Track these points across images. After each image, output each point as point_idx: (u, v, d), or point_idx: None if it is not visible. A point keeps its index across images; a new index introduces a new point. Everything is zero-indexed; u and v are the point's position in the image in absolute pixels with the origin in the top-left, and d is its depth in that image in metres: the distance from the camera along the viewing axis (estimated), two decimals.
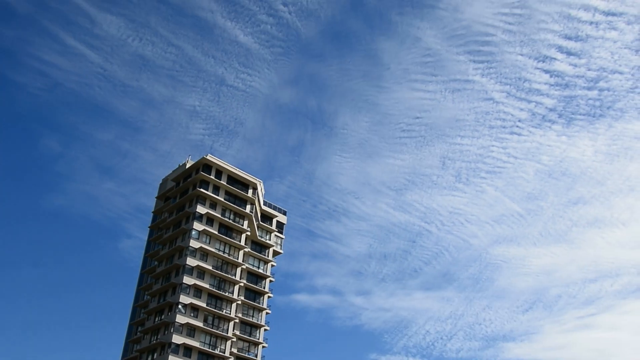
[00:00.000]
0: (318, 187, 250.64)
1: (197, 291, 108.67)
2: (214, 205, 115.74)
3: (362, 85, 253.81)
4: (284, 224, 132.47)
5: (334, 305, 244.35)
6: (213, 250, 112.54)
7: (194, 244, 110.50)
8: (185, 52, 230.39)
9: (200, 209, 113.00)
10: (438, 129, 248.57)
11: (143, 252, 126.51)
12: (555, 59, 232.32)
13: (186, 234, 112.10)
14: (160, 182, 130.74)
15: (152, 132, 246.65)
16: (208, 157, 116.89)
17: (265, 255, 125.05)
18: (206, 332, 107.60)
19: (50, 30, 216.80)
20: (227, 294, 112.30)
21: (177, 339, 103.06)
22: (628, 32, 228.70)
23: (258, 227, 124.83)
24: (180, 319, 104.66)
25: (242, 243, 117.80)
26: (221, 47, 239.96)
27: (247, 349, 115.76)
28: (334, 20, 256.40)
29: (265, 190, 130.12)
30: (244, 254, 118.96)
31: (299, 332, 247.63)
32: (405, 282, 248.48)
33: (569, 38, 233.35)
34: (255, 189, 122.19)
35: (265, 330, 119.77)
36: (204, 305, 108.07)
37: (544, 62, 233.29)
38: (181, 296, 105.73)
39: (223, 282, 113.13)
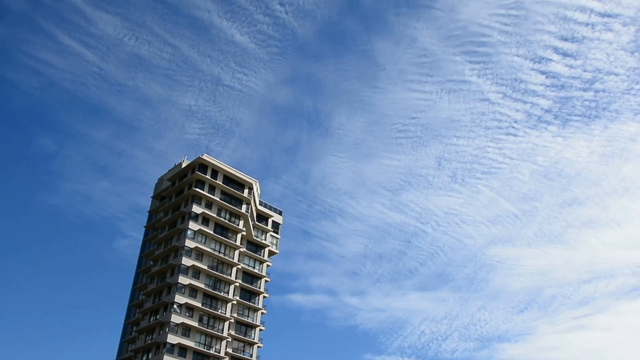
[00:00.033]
0: (313, 187, 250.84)
1: (193, 291, 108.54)
2: (209, 205, 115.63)
3: (358, 86, 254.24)
4: (279, 224, 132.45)
5: (329, 305, 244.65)
6: (208, 250, 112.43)
7: (189, 243, 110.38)
8: (182, 51, 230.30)
9: (196, 209, 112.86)
10: (434, 130, 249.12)
11: (138, 251, 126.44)
12: (551, 60, 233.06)
13: (182, 233, 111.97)
14: (156, 181, 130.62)
15: (147, 132, 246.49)
16: (204, 157, 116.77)
17: (260, 255, 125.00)
18: (201, 332, 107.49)
19: (45, 29, 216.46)
20: (222, 293, 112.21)
21: (172, 338, 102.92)
22: (624, 34, 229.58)
23: (254, 227, 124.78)
24: (176, 318, 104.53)
25: (238, 243, 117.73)
26: (217, 47, 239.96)
27: (242, 349, 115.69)
28: (330, 21, 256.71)
29: (261, 190, 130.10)
30: (239, 254, 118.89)
31: (295, 332, 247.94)
32: (400, 282, 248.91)
33: (565, 39, 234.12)
34: (251, 188, 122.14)
35: (260, 330, 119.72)
36: (199, 305, 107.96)
37: (539, 63, 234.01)
38: (176, 296, 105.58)
39: (218, 282, 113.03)
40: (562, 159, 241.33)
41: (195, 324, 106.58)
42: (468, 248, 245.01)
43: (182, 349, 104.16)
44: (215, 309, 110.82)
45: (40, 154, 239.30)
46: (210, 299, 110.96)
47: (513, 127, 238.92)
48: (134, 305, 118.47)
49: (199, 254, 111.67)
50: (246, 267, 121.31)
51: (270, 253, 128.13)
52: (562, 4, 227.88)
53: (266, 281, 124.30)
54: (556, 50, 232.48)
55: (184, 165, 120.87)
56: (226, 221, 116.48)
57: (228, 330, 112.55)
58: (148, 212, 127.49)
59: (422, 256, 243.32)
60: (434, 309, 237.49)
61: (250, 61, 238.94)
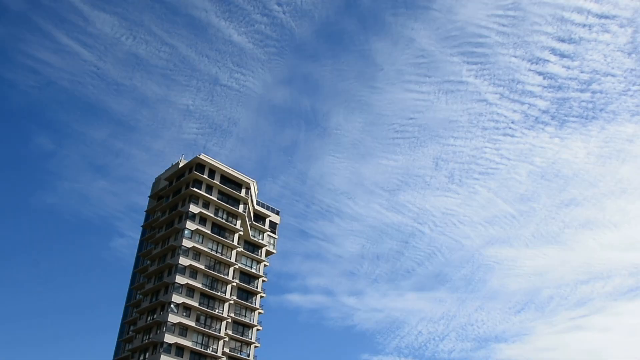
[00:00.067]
0: (311, 187, 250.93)
1: (190, 291, 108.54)
2: (207, 204, 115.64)
3: (356, 86, 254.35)
4: (277, 223, 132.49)
5: (326, 305, 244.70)
6: (206, 249, 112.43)
7: (186, 243, 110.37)
8: (179, 51, 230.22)
9: (193, 209, 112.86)
10: (431, 130, 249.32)
11: (136, 251, 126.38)
12: (548, 61, 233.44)
13: (179, 233, 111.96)
14: (154, 181, 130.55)
15: (145, 131, 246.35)
16: (201, 157, 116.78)
17: (258, 255, 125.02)
18: (198, 332, 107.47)
19: (43, 28, 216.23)
20: (219, 293, 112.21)
21: (169, 338, 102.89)
22: (621, 35, 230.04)
23: (251, 227, 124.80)
24: (173, 318, 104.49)
25: (235, 243, 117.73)
26: (215, 47, 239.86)
27: (239, 349, 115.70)
28: (328, 21, 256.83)
29: (258, 190, 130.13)
30: (236, 254, 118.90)
31: (292, 332, 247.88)
32: (397, 282, 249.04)
33: (562, 40, 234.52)
34: (248, 188, 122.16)
35: (257, 330, 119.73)
36: (197, 304, 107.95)
37: (537, 64, 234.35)
38: (174, 295, 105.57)
39: (216, 282, 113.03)
40: (559, 159, 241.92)
41: (193, 324, 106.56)
42: (465, 248, 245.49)
43: (180, 349, 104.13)
44: (213, 308, 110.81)
45: (38, 153, 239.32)
46: (208, 298, 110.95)
47: (510, 128, 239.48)
48: (131, 304, 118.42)
49: (196, 254, 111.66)
50: (243, 266, 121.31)
51: (268, 253, 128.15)
52: (560, 5, 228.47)
53: (263, 281, 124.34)
54: (553, 51, 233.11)
55: (181, 164, 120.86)
56: (223, 221, 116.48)
57: (225, 330, 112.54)
58: (145, 211, 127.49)
59: (419, 256, 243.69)
60: (431, 309, 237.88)
61: (247, 61, 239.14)
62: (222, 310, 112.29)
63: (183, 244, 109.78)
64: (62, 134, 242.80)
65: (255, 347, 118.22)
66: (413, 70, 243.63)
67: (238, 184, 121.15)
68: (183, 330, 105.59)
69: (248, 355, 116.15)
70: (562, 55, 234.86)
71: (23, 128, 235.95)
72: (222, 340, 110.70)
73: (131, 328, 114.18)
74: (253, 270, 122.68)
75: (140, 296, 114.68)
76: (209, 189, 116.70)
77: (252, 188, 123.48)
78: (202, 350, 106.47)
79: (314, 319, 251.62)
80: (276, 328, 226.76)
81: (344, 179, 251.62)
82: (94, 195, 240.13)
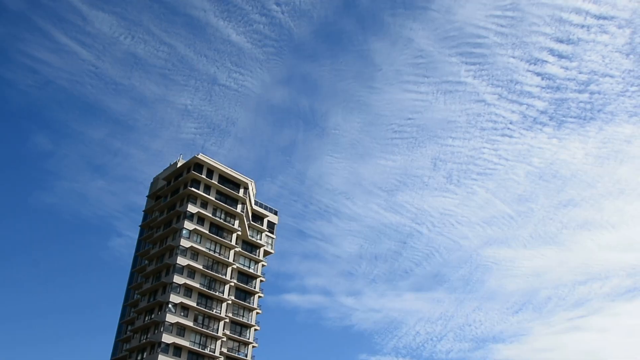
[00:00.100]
0: (309, 187, 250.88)
1: (188, 290, 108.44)
2: (205, 204, 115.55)
3: (354, 86, 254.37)
4: (275, 223, 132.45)
5: (324, 305, 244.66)
6: (204, 249, 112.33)
7: (184, 243, 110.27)
8: (178, 50, 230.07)
9: (191, 208, 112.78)
10: (429, 131, 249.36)
11: (133, 250, 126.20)
12: (546, 61, 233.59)
13: (177, 233, 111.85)
14: (152, 180, 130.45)
15: (143, 131, 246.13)
16: (199, 156, 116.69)
17: (256, 255, 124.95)
18: (196, 332, 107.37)
19: (41, 27, 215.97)
20: (217, 293, 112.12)
21: (167, 338, 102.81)
22: (619, 36, 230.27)
23: (249, 227, 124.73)
24: (171, 318, 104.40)
25: (233, 243, 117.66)
26: (213, 46, 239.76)
27: (237, 349, 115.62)
28: (327, 21, 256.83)
29: (256, 190, 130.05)
30: (234, 254, 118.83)
31: (290, 332, 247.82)
32: (395, 283, 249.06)
33: (561, 41, 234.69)
34: (246, 188, 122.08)
35: (255, 330, 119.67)
36: (194, 304, 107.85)
37: (535, 64, 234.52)
38: (171, 295, 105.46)
39: (213, 282, 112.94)
40: (557, 160, 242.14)
41: (190, 324, 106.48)
42: (463, 249, 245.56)
43: (177, 349, 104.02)
44: (210, 308, 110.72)
45: (36, 152, 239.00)
46: (205, 298, 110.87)
47: (508, 129, 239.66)
48: (128, 304, 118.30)
49: (194, 254, 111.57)
50: (241, 266, 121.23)
51: (266, 253, 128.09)
52: (558, 5, 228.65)
53: (261, 281, 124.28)
54: (552, 52, 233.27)
55: (179, 164, 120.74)
56: (221, 221, 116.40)
57: (223, 330, 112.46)
58: (143, 211, 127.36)
59: (417, 257, 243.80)
60: (429, 309, 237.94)
61: (246, 61, 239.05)
62: (220, 310, 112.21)
63: (181, 243, 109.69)
64: (60, 134, 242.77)
65: (253, 347, 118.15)
66: (411, 71, 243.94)
67: (236, 184, 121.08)
68: (181, 330, 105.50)
69: (246, 356, 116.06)
70: (561, 56, 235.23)
71: (21, 127, 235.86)
72: (219, 340, 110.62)
73: (129, 328, 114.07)
74: (251, 270, 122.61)
75: (138, 296, 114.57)
76: (207, 188, 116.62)
77: (250, 188, 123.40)
78: (200, 350, 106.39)
79: (312, 319, 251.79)
80: (274, 328, 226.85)
81: (342, 179, 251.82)
82: (92, 194, 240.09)
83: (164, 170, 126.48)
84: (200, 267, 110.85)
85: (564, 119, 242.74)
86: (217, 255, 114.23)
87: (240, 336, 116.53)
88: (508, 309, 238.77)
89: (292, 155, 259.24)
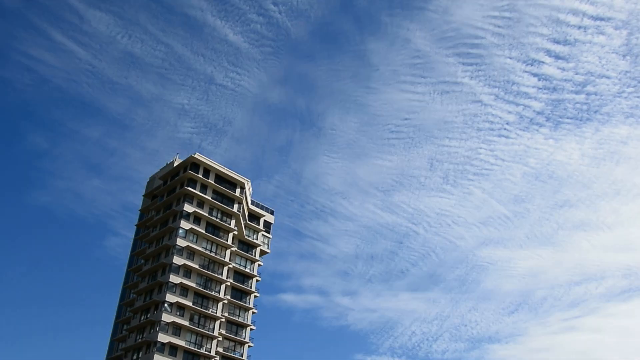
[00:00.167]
0: (306, 187, 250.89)
1: (184, 290, 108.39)
2: (201, 204, 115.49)
3: (351, 86, 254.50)
4: (271, 223, 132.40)
5: (320, 305, 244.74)
6: (200, 249, 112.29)
7: (180, 242, 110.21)
8: (175, 50, 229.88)
9: (188, 208, 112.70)
10: (426, 131, 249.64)
11: (129, 250, 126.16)
12: (543, 62, 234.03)
13: (173, 232, 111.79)
14: (148, 180, 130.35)
15: (140, 130, 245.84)
16: (196, 156, 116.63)
17: (252, 254, 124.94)
18: (192, 331, 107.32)
19: (38, 26, 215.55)
20: (213, 293, 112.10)
21: (162, 337, 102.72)
22: (616, 37, 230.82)
23: (245, 227, 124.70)
24: (166, 317, 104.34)
25: (229, 242, 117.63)
26: (210, 46, 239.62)
27: (233, 349, 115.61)
28: (324, 21, 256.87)
29: (252, 190, 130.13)
30: (230, 253, 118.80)
31: (285, 332, 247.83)
32: (391, 283, 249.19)
33: (558, 42, 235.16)
34: (242, 188, 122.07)
35: (251, 329, 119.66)
36: (190, 304, 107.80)
37: (532, 65, 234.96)
38: (167, 295, 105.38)
39: (209, 281, 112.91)
40: (553, 161, 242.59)
41: (186, 323, 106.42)
42: (459, 249, 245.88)
43: (173, 348, 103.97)
44: (206, 308, 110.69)
45: (32, 151, 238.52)
46: (201, 298, 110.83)
47: (505, 129, 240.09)
48: (124, 303, 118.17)
49: (190, 253, 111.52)
50: (237, 266, 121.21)
51: (262, 252, 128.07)
52: (555, 6, 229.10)
53: (257, 280, 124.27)
54: (548, 52, 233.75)
55: (175, 164, 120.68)
56: (218, 220, 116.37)
57: (219, 330, 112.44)
58: (139, 210, 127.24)
59: (413, 257, 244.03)
60: (425, 309, 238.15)
61: (243, 60, 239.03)
62: (216, 310, 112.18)
63: (177, 243, 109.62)
64: (56, 133, 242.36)
65: (249, 346, 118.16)
66: (408, 71, 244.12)
67: (232, 184, 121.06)
68: (176, 329, 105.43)
69: (241, 355, 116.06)
70: (557, 57, 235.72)
71: (17, 126, 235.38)
72: (215, 340, 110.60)
73: (124, 327, 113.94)
74: (247, 270, 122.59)
75: (134, 295, 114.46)
76: (204, 188, 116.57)
77: (246, 187, 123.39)
78: (196, 349, 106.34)
79: (308, 318, 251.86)
80: (270, 328, 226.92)
81: (339, 179, 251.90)
82: (88, 194, 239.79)
83: (161, 169, 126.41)
84: (196, 266, 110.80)
85: (560, 119, 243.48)
86: (213, 254, 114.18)
87: (236, 336, 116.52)
88: (504, 309, 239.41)
89: (289, 155, 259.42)
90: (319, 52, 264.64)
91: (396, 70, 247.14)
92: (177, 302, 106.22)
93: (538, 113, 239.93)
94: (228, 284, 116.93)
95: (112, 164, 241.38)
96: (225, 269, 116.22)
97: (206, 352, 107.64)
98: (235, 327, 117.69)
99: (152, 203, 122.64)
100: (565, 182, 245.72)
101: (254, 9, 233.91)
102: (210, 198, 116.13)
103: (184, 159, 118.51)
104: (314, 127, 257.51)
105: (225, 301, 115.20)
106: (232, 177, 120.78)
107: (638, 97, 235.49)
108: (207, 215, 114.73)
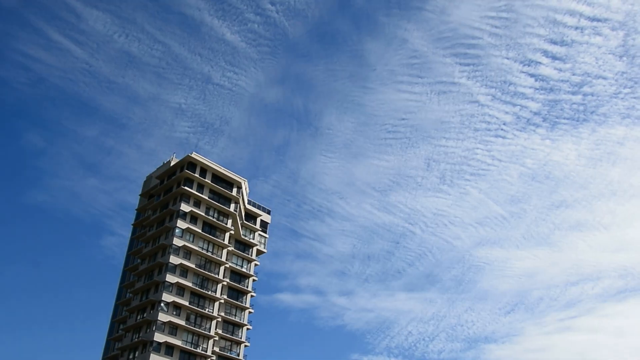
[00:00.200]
0: (303, 186, 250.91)
1: (180, 289, 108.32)
2: (198, 203, 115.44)
3: (348, 86, 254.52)
4: (268, 223, 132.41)
5: (316, 305, 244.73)
6: (196, 248, 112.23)
7: (177, 242, 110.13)
8: (172, 49, 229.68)
9: (184, 207, 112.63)
10: (423, 131, 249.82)
11: (126, 249, 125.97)
12: (540, 63, 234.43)
13: (170, 232, 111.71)
14: (145, 179, 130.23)
15: (137, 129, 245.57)
16: (193, 155, 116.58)
17: (248, 254, 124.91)
18: (188, 331, 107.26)
19: (34, 25, 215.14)
20: (210, 292, 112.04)
21: (159, 337, 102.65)
22: (612, 38, 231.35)
23: (242, 226, 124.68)
24: (163, 317, 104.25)
25: (226, 242, 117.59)
26: (208, 45, 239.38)
27: (229, 348, 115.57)
28: (322, 21, 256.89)
29: (249, 189, 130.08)
30: (227, 253, 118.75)
31: (282, 331, 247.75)
32: (388, 283, 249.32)
33: (555, 42, 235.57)
34: (239, 187, 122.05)
35: (247, 329, 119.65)
36: (187, 303, 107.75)
37: (529, 66, 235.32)
38: (164, 294, 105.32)
39: (206, 281, 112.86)
40: (550, 161, 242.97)
41: (183, 323, 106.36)
42: (456, 249, 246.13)
43: (169, 348, 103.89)
44: (203, 307, 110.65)
45: (28, 150, 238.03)
46: (198, 297, 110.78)
47: (502, 129, 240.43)
48: (121, 303, 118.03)
49: (187, 253, 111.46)
50: (234, 266, 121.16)
51: (259, 252, 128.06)
52: (552, 7, 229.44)
53: (254, 280, 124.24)
54: (545, 53, 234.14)
55: (172, 163, 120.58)
56: (214, 220, 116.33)
57: (215, 329, 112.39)
58: (136, 210, 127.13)
59: (410, 257, 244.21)
60: (422, 309, 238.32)
61: (240, 60, 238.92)
62: (212, 310, 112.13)
63: (173, 242, 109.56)
64: (53, 132, 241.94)
65: (245, 346, 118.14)
66: (406, 71, 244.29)
67: (229, 183, 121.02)
68: (173, 329, 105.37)
69: (238, 355, 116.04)
70: (554, 58, 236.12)
71: (14, 125, 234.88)
72: (212, 340, 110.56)
73: (121, 326, 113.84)
74: (244, 270, 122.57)
75: (130, 295, 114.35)
76: (200, 187, 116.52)
77: (243, 187, 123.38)
78: (192, 349, 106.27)
79: (304, 318, 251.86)
80: (266, 327, 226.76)
81: (336, 178, 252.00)
82: (85, 193, 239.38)
83: (157, 168, 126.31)
84: (193, 266, 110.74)
85: (557, 120, 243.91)
86: (209, 254, 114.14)
87: (232, 335, 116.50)
88: (500, 310, 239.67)
89: (286, 154, 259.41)
90: (317, 52, 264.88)
91: (393, 70, 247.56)
92: (173, 301, 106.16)
93: (535, 114, 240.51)
94: (224, 283, 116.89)
95: (108, 163, 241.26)
96: (222, 268, 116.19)
97: (202, 352, 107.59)
98: (232, 326, 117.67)
99: (148, 202, 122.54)
100: (562, 183, 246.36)
101: (252, 9, 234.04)
102: (206, 197, 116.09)
103: (181, 158, 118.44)
104: (311, 126, 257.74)
105: (222, 301, 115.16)
106: (228, 176, 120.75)
107: (634, 98, 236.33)
108: (203, 214, 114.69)
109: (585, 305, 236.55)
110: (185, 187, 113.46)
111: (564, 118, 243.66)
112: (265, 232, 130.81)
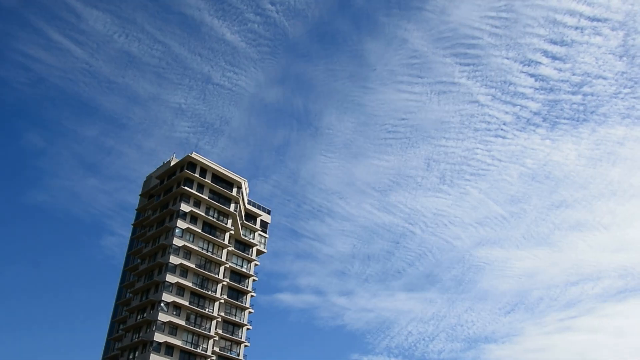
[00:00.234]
0: (303, 186, 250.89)
1: (180, 289, 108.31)
2: (198, 203, 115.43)
3: (348, 86, 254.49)
4: (268, 223, 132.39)
5: (316, 305, 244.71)
6: (196, 248, 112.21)
7: (177, 242, 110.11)
8: (172, 49, 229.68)
9: (184, 207, 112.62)
10: (423, 131, 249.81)
11: (126, 249, 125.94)
12: (540, 63, 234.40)
13: (170, 232, 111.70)
14: (145, 179, 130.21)
15: (137, 129, 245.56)
16: (193, 155, 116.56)
17: (248, 254, 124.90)
18: (188, 331, 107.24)
19: (34, 25, 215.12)
20: (210, 292, 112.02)
21: (159, 337, 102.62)
22: (612, 38, 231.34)
23: (242, 226, 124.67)
24: (163, 317, 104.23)
25: (226, 242, 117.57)
26: (208, 45, 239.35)
27: (229, 348, 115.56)
28: (322, 21, 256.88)
29: (249, 189, 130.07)
30: (227, 253, 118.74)
31: (282, 331, 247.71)
32: (388, 283, 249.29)
33: (554, 42, 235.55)
34: (239, 187, 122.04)
35: (247, 329, 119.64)
36: (187, 303, 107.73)
37: (529, 66, 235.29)
38: (164, 294, 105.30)
39: (206, 281, 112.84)
40: (550, 161, 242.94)
41: (183, 323, 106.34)
42: (456, 249, 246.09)
43: (169, 348, 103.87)
44: (203, 307, 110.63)
45: (28, 150, 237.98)
46: (198, 297, 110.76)
47: (502, 129, 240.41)
48: (121, 303, 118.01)
49: (187, 253, 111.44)
50: (234, 266, 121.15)
51: (259, 252, 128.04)
52: (552, 7, 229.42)
53: (254, 280, 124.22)
54: (545, 53, 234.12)
55: (172, 163, 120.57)
56: (214, 220, 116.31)
57: (215, 329, 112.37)
58: (136, 210, 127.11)
59: (410, 257, 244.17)
60: (422, 309, 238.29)
61: (240, 60, 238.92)
62: (212, 310, 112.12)
63: (174, 242, 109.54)
64: (53, 132, 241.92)
65: (245, 346, 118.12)
66: (406, 71, 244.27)
67: (229, 183, 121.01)
68: (173, 329, 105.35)
69: (238, 355, 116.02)
70: (554, 58, 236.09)
71: (14, 125, 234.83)
72: (212, 340, 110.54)
73: (121, 326, 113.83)
74: (244, 270, 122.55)
75: (130, 295, 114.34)
76: (200, 187, 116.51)
77: (243, 187, 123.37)
78: (192, 349, 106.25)
79: (304, 318, 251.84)
80: (266, 327, 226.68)
81: (336, 178, 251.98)
82: (85, 193, 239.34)
83: (157, 168, 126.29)
84: (193, 266, 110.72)
85: (557, 120, 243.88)
86: (209, 254, 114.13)
87: (232, 335, 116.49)
88: (500, 309, 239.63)
89: (286, 154, 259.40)
90: (317, 52, 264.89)
91: (393, 70, 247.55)
92: (173, 301, 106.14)
93: (535, 114, 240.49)
94: (224, 283, 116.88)
95: (108, 163, 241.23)
96: (222, 268, 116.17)
97: (202, 352, 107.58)
98: (232, 326, 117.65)
99: (148, 202, 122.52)
100: (562, 183, 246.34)
101: (252, 9, 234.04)
102: (206, 197, 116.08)
103: (181, 158, 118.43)
104: (311, 126, 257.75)
105: (222, 301, 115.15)
106: (228, 176, 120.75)
107: (634, 98, 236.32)
108: (203, 214, 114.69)
109: (585, 305, 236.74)
110: (185, 187, 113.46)
111: (564, 118, 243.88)
112: (265, 232, 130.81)
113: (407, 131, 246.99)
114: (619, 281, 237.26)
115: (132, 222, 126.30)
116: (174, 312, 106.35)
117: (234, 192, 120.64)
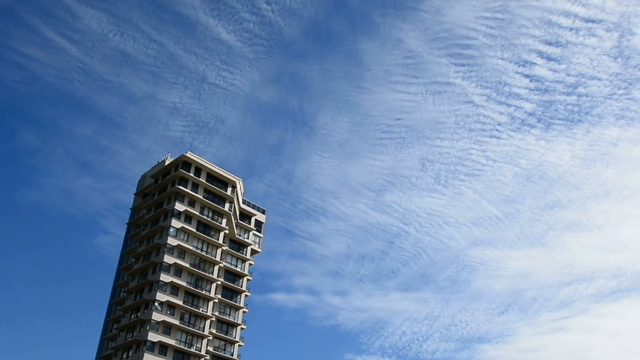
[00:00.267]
0: (297, 186, 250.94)
1: (174, 289, 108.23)
2: (192, 202, 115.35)
3: (343, 86, 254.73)
4: (262, 222, 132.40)
5: (311, 305, 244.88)
6: (191, 248, 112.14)
7: (171, 241, 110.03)
8: (167, 48, 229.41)
9: (179, 207, 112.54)
10: (418, 131, 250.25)
11: (120, 248, 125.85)
12: (535, 63, 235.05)
13: (164, 231, 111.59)
14: (139, 178, 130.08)
15: (131, 128, 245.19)
16: (187, 155, 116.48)
17: (243, 253, 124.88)
18: (182, 330, 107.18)
19: (29, 23, 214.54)
20: (204, 292, 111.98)
21: (152, 336, 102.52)
22: (607, 39, 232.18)
23: (236, 226, 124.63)
24: (157, 316, 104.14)
25: (220, 241, 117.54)
26: (203, 45, 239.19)
27: (223, 348, 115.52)
28: (317, 20, 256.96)
29: (244, 189, 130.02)
30: (222, 252, 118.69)
31: (276, 331, 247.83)
32: (382, 282, 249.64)
33: (549, 43, 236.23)
34: (234, 187, 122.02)
35: (242, 329, 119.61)
36: (181, 303, 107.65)
37: (524, 66, 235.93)
38: (158, 293, 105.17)
39: (200, 280, 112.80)
40: (544, 162, 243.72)
41: (177, 322, 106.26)
42: (450, 249, 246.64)
43: (163, 347, 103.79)
44: (197, 307, 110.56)
45: (22, 149, 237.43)
46: (192, 297, 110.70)
47: (497, 130, 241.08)
48: (114, 302, 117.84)
49: (181, 252, 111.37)
50: (228, 265, 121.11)
51: (253, 252, 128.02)
52: (547, 8, 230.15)
53: (248, 280, 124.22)
54: (540, 54, 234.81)
55: (167, 162, 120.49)
56: (209, 219, 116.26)
57: (209, 329, 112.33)
58: (130, 209, 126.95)
59: (404, 257, 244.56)
60: (416, 309, 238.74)
61: (235, 59, 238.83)
62: (207, 309, 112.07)
63: (168, 242, 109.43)
64: (47, 130, 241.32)
65: (240, 346, 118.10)
66: (401, 71, 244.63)
67: (224, 183, 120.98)
68: (167, 328, 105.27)
69: (232, 354, 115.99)
70: (549, 59, 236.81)
71: (8, 123, 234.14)
72: (206, 339, 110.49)
73: (115, 326, 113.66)
74: (238, 269, 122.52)
75: (124, 294, 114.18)
76: (195, 187, 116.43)
77: (238, 187, 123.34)
78: (186, 348, 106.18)
79: (299, 318, 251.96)
80: (261, 327, 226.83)
81: (330, 178, 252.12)
82: (79, 192, 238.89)
83: (152, 168, 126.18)
84: (187, 265, 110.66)
85: (551, 121, 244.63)
86: (204, 253, 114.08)
87: (226, 335, 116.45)
88: (494, 310, 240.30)
89: (281, 154, 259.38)
90: (312, 52, 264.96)
91: (388, 71, 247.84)
92: (167, 300, 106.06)
93: (529, 114, 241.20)
94: (219, 283, 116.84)
95: (103, 162, 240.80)
96: (216, 268, 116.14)
97: (196, 351, 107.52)
98: (226, 326, 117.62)
99: (143, 201, 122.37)
100: (556, 183, 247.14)
101: (247, 8, 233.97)
102: (201, 197, 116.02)
103: (176, 157, 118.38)
104: (306, 126, 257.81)
105: (216, 300, 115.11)
106: (223, 176, 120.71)
107: (629, 99, 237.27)
108: (198, 214, 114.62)
109: (578, 306, 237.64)
110: (180, 187, 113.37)
111: (559, 119, 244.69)
112: (259, 232, 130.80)
113: (402, 131, 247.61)
114: (612, 281, 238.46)
115: (127, 221, 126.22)
116: (168, 312, 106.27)
117: (229, 191, 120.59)
